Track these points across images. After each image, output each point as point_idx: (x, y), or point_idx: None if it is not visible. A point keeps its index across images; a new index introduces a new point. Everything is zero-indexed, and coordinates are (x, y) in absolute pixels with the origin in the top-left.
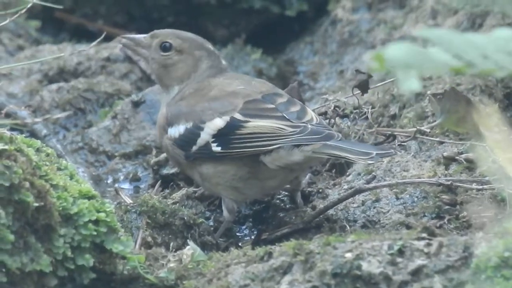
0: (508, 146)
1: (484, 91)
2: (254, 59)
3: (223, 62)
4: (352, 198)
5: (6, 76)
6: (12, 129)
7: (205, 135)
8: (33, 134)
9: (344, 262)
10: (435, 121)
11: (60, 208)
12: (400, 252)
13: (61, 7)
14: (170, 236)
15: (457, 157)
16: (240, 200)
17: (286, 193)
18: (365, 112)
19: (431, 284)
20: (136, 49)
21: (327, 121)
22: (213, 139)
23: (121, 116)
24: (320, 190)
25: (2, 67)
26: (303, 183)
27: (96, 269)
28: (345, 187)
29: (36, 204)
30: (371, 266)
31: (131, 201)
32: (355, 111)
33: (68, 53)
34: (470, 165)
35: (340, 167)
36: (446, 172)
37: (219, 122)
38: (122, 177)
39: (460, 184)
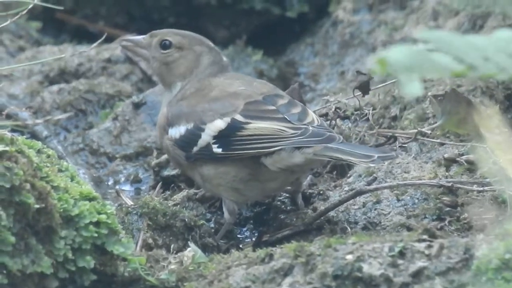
0: (509, 147)
1: (485, 92)
2: (255, 60)
3: (225, 59)
4: (353, 199)
5: (7, 77)
6: (13, 131)
7: (205, 136)
8: (34, 136)
9: (345, 264)
10: (436, 122)
11: (61, 210)
12: (401, 254)
13: (62, 8)
14: (171, 238)
15: (458, 159)
16: (241, 201)
17: (287, 195)
18: (366, 114)
19: (432, 286)
20: (136, 50)
21: (328, 122)
22: (214, 140)
23: (122, 117)
24: (321, 192)
25: (3, 68)
26: (304, 184)
27: (97, 271)
28: (346, 188)
29: (37, 206)
30: (372, 268)
31: (132, 203)
32: (356, 112)
33: (69, 54)
34: (471, 167)
35: (341, 169)
36: (447, 173)
37: (219, 123)
38: (123, 179)
39: (461, 186)
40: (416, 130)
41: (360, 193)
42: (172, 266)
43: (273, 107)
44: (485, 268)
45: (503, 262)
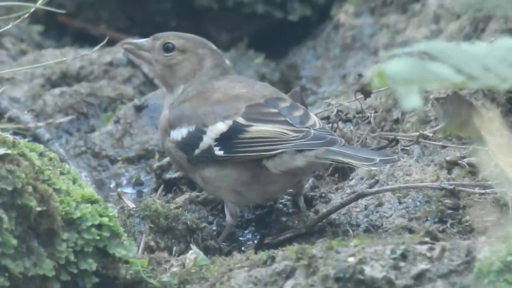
0: (510, 150)
1: (487, 95)
2: (257, 64)
3: (227, 61)
4: (355, 202)
5: (9, 81)
6: (15, 134)
7: (207, 139)
8: (36, 139)
9: (347, 267)
10: (437, 125)
11: (63, 213)
12: (403, 257)
13: (63, 11)
14: (173, 240)
15: (459, 162)
16: (243, 204)
17: (289, 198)
18: (368, 117)
19: None
20: (139, 52)
21: (330, 125)
22: (216, 143)
23: (123, 120)
24: (323, 195)
25: (5, 71)
26: (306, 187)
27: (99, 274)
28: (348, 191)
29: (39, 209)
30: (374, 271)
31: (134, 206)
32: (358, 115)
33: (70, 57)
34: (473, 170)
35: (343, 172)
36: (448, 176)
37: (221, 126)
38: (125, 182)
39: (463, 189)
40: (418, 133)
41: (362, 195)
42: (174, 269)
43: (275, 110)
44: (487, 271)
45: (505, 265)
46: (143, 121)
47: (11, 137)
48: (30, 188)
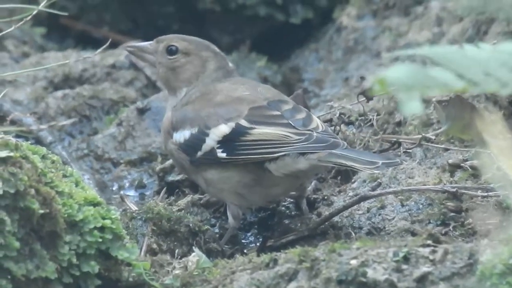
0: None
1: (489, 98)
2: (259, 66)
3: (230, 64)
4: (357, 205)
5: (11, 83)
6: (17, 136)
7: (210, 141)
8: (38, 141)
9: (349, 269)
10: (440, 128)
11: (66, 215)
12: (405, 259)
13: (66, 14)
14: (175, 243)
15: (462, 164)
16: (245, 206)
17: (292, 200)
18: (371, 119)
19: None
20: (143, 55)
21: (332, 128)
22: (218, 145)
23: (126, 123)
24: (326, 197)
25: (8, 74)
26: (308, 190)
27: (101, 276)
28: (350, 194)
29: (41, 211)
30: (376, 273)
31: (136, 208)
32: (360, 118)
33: (73, 60)
34: (475, 172)
35: (346, 174)
36: (451, 179)
37: (224, 128)
38: (127, 184)
39: (465, 191)
40: (420, 136)
41: (364, 198)
42: (177, 271)
43: (278, 113)
44: (490, 273)
45: (508, 267)
46: (145, 124)
47: (13, 140)
48: (32, 191)
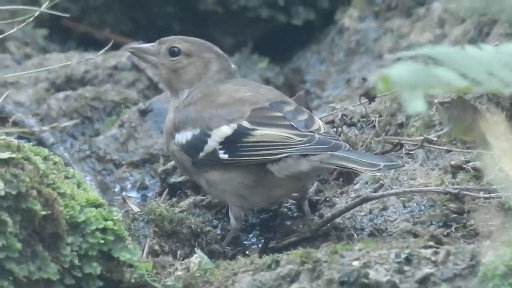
0: None
1: (492, 99)
2: (261, 68)
3: (232, 65)
4: (359, 206)
5: (13, 85)
6: (19, 138)
7: (212, 142)
8: (40, 143)
9: (351, 270)
10: (442, 129)
11: (68, 216)
12: (407, 261)
13: (68, 15)
14: (177, 244)
15: (464, 166)
16: (247, 207)
17: (294, 202)
18: (373, 121)
19: None
20: (145, 56)
21: (335, 129)
22: (220, 147)
23: (128, 124)
24: (328, 199)
25: (10, 75)
26: (311, 191)
27: (103, 277)
28: (353, 195)
29: (43, 213)
30: (379, 275)
31: (138, 210)
32: (362, 119)
33: (75, 61)
34: (477, 174)
35: (348, 176)
36: (453, 180)
37: (226, 130)
38: (129, 186)
39: (467, 193)
40: (422, 137)
41: (366, 200)
42: (179, 273)
43: (280, 114)
44: (492, 275)
45: (510, 269)
46: (147, 125)
47: (15, 141)
48: (34, 192)
